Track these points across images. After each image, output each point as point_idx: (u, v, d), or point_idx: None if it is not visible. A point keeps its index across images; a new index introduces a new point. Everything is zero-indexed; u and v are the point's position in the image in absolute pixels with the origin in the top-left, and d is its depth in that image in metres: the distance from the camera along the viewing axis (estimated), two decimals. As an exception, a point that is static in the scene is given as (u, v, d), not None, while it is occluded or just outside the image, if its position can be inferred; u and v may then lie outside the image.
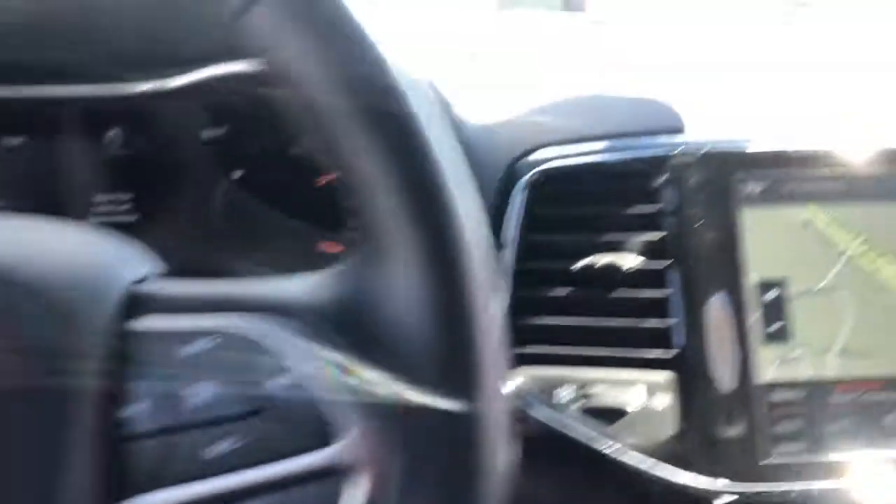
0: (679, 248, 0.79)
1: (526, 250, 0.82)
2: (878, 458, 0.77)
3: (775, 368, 0.78)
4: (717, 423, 0.76)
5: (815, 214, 0.81)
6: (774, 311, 0.79)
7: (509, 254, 0.81)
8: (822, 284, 0.80)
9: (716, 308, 0.78)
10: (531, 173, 0.83)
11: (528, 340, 0.80)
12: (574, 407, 0.78)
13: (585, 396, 0.78)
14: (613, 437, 0.77)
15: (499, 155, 0.85)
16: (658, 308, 0.79)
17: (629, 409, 0.78)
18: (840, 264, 0.80)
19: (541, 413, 0.78)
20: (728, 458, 0.76)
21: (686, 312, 0.78)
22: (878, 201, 0.81)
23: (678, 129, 0.84)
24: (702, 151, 0.81)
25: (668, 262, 0.79)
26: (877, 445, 0.77)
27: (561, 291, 0.81)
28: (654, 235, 0.80)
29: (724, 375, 0.77)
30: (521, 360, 0.79)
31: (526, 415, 0.78)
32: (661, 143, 0.82)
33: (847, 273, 0.80)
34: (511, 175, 0.84)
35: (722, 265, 0.79)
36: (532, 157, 0.84)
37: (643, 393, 0.78)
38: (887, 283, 0.80)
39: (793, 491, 0.76)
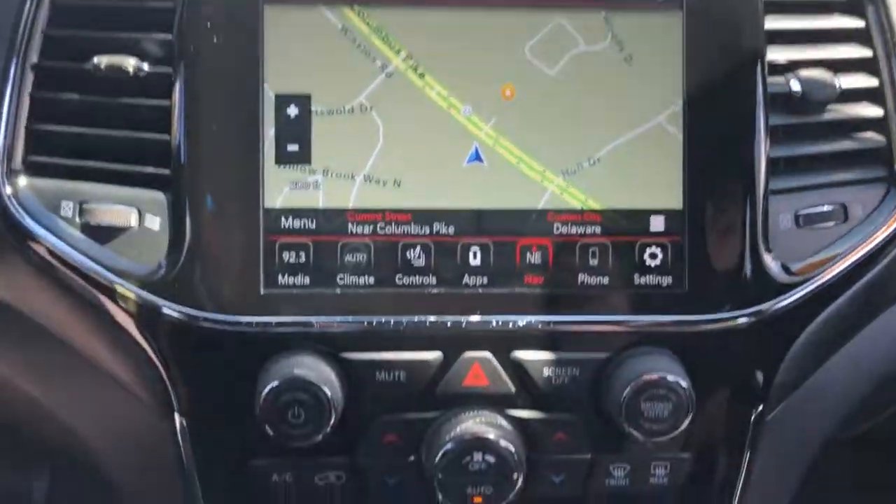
0: (190, 52, 0.69)
1: (45, 46, 0.72)
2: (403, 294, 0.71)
3: (286, 193, 0.70)
4: (214, 248, 0.70)
5: (354, 21, 0.70)
6: (292, 129, 0.70)
7: (26, 49, 0.72)
8: (352, 103, 0.70)
9: (224, 122, 0.69)
10: None
11: (33, 149, 0.72)
12: (77, 223, 0.71)
13: (85, 212, 0.71)
14: (110, 258, 0.71)
15: None
16: (163, 120, 0.70)
17: (125, 229, 0.71)
18: (378, 80, 0.70)
19: (45, 226, 0.71)
20: (226, 286, 0.70)
21: (190, 126, 0.69)
22: (430, 7, 0.71)
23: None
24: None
25: (174, 67, 0.69)
26: (395, 281, 0.71)
27: (68, 95, 0.71)
28: (162, 36, 0.70)
29: (226, 198, 0.70)
30: (26, 170, 0.72)
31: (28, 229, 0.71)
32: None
33: (385, 91, 0.70)
34: None
35: (237, 74, 0.69)
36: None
37: (136, 212, 0.71)
38: (433, 103, 0.71)
39: (294, 322, 0.70)
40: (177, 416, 0.72)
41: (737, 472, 0.76)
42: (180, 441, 0.73)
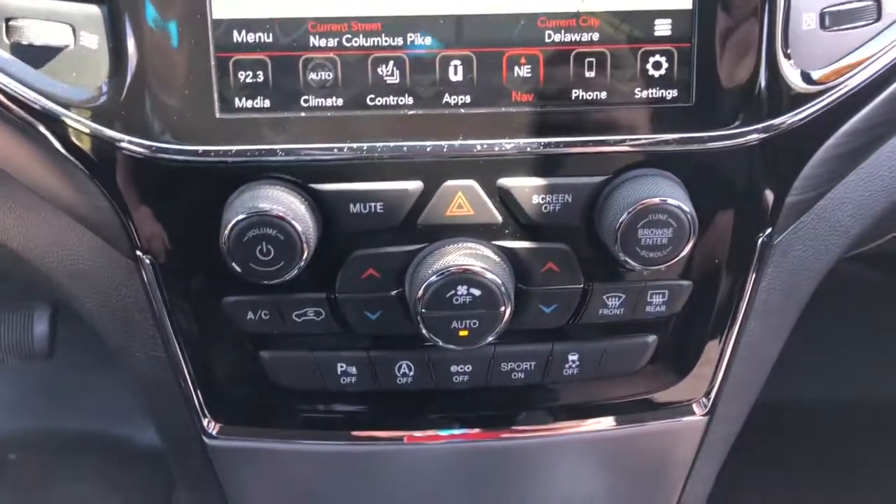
0: None
1: None
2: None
3: (237, 1, 0.61)
4: (161, 68, 0.61)
5: None
6: None
7: None
8: None
9: None
10: None
11: None
12: (6, 43, 0.63)
13: (13, 30, 0.62)
14: (48, 84, 0.63)
15: None
16: None
17: (60, 49, 0.63)
18: None
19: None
20: (178, 112, 0.62)
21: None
22: None
23: None
24: None
25: None
26: (366, 102, 0.63)
27: None
28: None
29: (169, 8, 0.60)
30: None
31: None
32: None
33: None
34: None
35: None
36: None
37: (70, 29, 0.62)
38: None
39: (256, 150, 0.64)
40: (140, 255, 0.68)
41: (739, 299, 0.72)
42: (146, 280, 0.69)
